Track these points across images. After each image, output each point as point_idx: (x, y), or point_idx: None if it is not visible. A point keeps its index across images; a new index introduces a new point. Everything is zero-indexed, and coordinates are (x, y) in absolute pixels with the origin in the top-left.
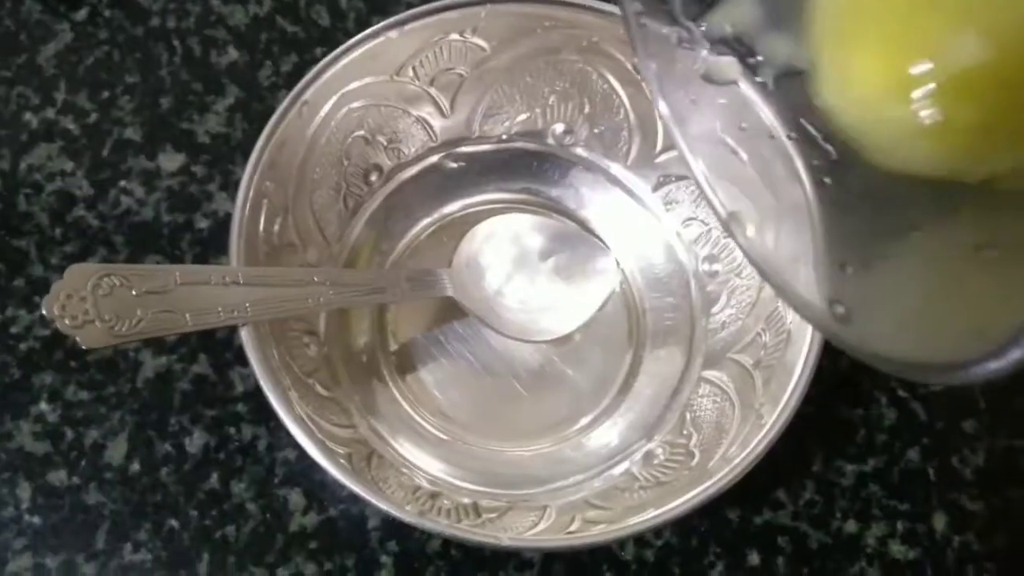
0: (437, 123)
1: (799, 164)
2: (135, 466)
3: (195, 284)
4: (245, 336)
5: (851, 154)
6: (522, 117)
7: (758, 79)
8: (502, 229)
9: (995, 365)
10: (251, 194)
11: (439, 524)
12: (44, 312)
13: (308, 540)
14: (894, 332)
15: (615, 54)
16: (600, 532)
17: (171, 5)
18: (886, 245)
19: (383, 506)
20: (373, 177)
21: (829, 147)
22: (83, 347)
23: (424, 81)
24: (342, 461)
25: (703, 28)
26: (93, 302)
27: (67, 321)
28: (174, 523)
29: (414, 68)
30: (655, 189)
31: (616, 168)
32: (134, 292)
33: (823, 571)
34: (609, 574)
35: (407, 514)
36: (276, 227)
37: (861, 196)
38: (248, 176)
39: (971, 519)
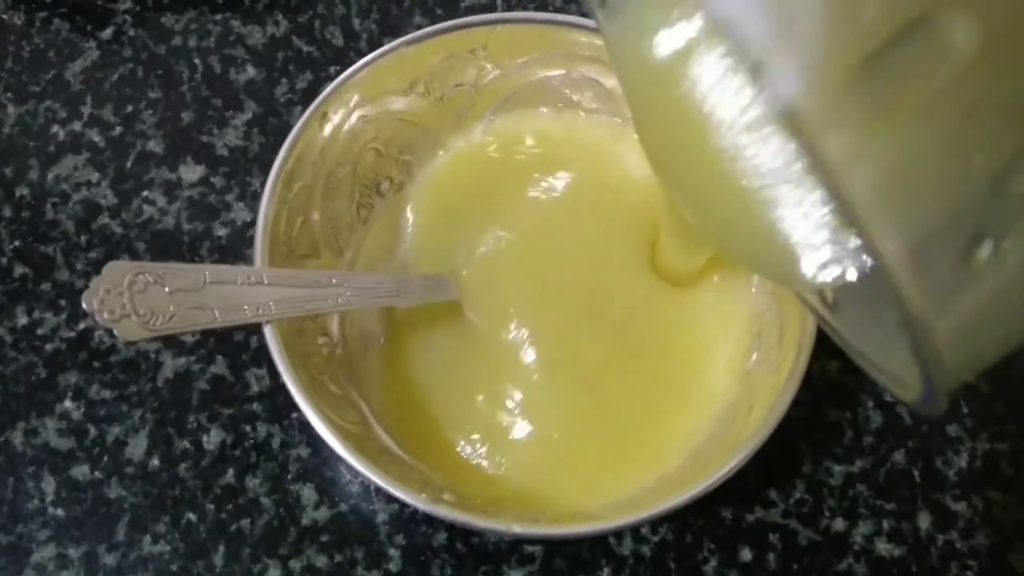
0: (446, 136)
1: None
2: (155, 462)
3: (223, 283)
4: (268, 333)
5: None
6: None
7: None
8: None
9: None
10: (274, 200)
11: (451, 512)
12: (84, 306)
13: (320, 533)
14: (866, 332)
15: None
16: (604, 522)
17: (192, 25)
18: None
19: (398, 493)
20: (384, 187)
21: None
22: (120, 340)
23: (435, 96)
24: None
25: None
26: (129, 297)
27: (105, 315)
28: (191, 516)
29: (425, 84)
30: None
31: None
32: (167, 289)
33: (812, 567)
34: (608, 568)
35: (421, 501)
36: (295, 232)
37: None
38: (271, 183)
39: (954, 519)
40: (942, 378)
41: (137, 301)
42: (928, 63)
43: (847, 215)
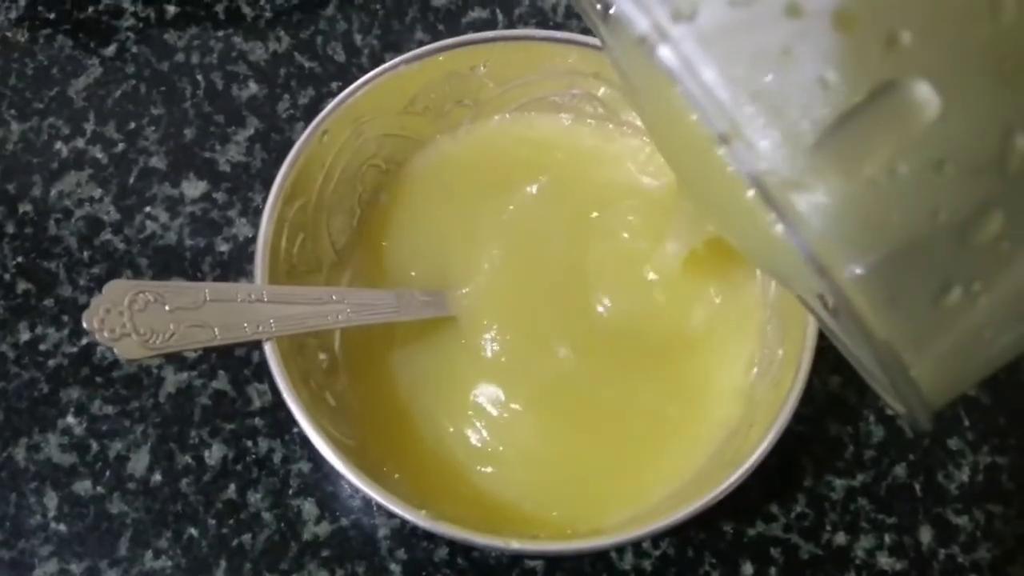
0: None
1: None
2: (157, 477)
3: (223, 301)
4: (268, 350)
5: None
6: None
7: None
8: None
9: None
10: (275, 217)
11: (451, 529)
12: (85, 325)
13: (321, 548)
14: (862, 342)
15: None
16: (604, 537)
17: (195, 42)
18: None
19: (396, 509)
20: (384, 202)
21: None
22: (120, 359)
23: (435, 113)
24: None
25: None
26: (129, 316)
27: (106, 334)
28: (193, 531)
29: (426, 100)
30: None
31: None
32: (167, 307)
33: None
34: None
35: (422, 518)
36: (296, 248)
37: None
38: (272, 201)
39: (956, 532)
40: (921, 407)
41: (137, 320)
42: (891, 125)
43: (815, 266)
